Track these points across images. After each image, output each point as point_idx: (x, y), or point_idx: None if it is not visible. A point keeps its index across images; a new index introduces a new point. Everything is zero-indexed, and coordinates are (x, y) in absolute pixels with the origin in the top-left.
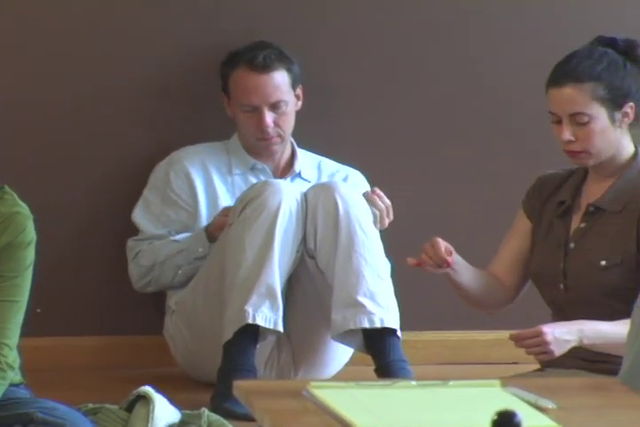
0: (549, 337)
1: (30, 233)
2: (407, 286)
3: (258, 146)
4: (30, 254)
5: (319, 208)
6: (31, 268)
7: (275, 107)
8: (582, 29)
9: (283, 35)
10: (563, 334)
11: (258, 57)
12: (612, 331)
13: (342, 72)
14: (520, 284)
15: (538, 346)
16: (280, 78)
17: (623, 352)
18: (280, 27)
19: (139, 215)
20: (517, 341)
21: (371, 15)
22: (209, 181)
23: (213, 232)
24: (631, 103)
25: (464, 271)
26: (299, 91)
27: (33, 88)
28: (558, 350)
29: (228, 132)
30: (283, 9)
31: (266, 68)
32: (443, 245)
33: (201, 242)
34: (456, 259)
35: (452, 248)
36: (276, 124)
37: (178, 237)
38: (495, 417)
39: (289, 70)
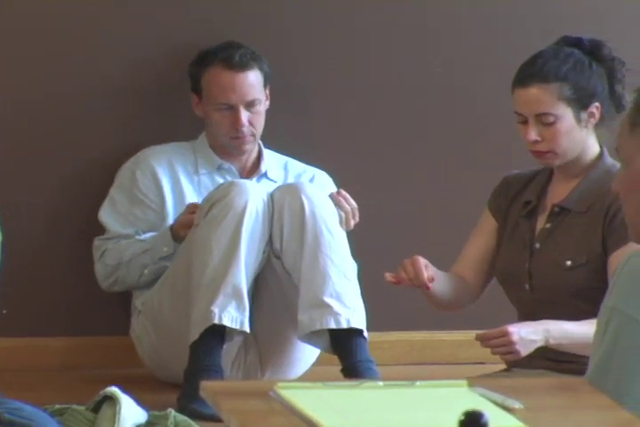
0: (515, 337)
1: None
2: (373, 287)
3: (230, 145)
4: None
5: (285, 209)
6: None
7: (250, 105)
8: (548, 29)
9: (250, 35)
10: (529, 334)
11: (234, 56)
12: (577, 331)
13: (310, 72)
14: (485, 283)
15: (504, 346)
16: (255, 77)
17: (589, 352)
18: (248, 27)
19: (105, 214)
20: (483, 341)
21: (340, 15)
22: (176, 180)
23: (178, 230)
24: (597, 103)
25: (438, 284)
26: (268, 90)
27: (1, 88)
28: (524, 350)
29: (194, 132)
30: (251, 9)
31: (242, 66)
32: (423, 263)
33: (166, 241)
34: (434, 274)
35: (429, 265)
36: (251, 123)
37: (144, 236)
38: (462, 417)
39: (261, 70)
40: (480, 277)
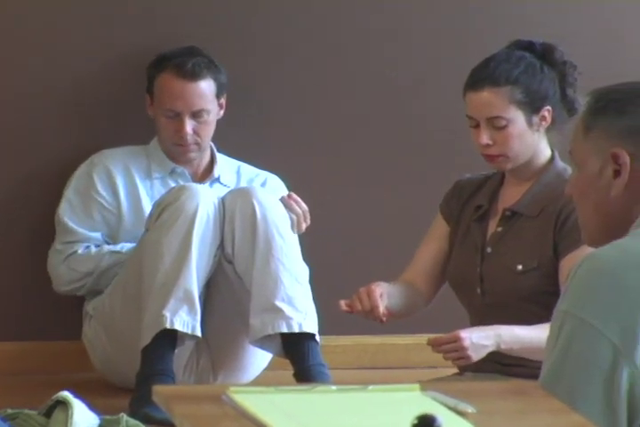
0: (467, 342)
1: None
2: (325, 291)
3: (174, 151)
4: None
5: (237, 213)
6: None
7: (196, 115)
8: (500, 33)
9: (209, 39)
10: (480, 339)
11: (187, 64)
12: (529, 335)
13: (264, 78)
14: (436, 288)
15: (455, 351)
16: (206, 87)
17: (541, 357)
18: (207, 31)
19: (66, 217)
20: (435, 346)
21: (298, 23)
22: (132, 183)
23: None
24: (548, 107)
25: (390, 301)
26: (222, 100)
27: None
28: (476, 355)
29: (147, 136)
30: (211, 14)
31: (194, 75)
32: (379, 294)
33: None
34: (386, 292)
35: (384, 293)
36: (196, 132)
37: (119, 246)
38: (415, 421)
39: (216, 79)
40: (432, 282)
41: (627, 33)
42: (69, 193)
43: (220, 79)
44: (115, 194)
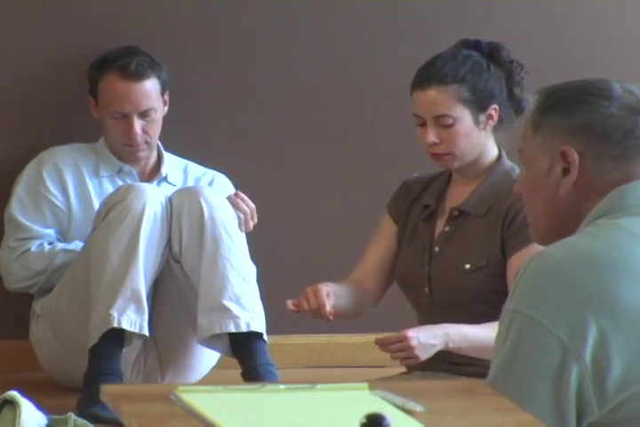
0: (414, 342)
1: None
2: (273, 290)
3: (124, 151)
4: None
5: (184, 212)
6: None
7: (144, 115)
8: (447, 32)
9: (149, 38)
10: (428, 339)
11: (130, 65)
12: (477, 334)
13: (209, 76)
14: (385, 287)
15: (403, 351)
16: (151, 86)
17: (489, 356)
18: (147, 30)
19: (17, 215)
20: (382, 346)
21: (238, 21)
22: (81, 181)
23: None
24: (495, 105)
25: (337, 301)
26: (166, 96)
27: None
28: (423, 355)
29: (94, 134)
30: (152, 14)
31: (138, 76)
32: (325, 293)
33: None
34: (333, 292)
35: (331, 293)
36: (145, 131)
37: (73, 244)
38: (364, 420)
39: (159, 77)
40: (380, 281)
41: (573, 32)
42: (20, 191)
43: (162, 77)
44: (64, 191)
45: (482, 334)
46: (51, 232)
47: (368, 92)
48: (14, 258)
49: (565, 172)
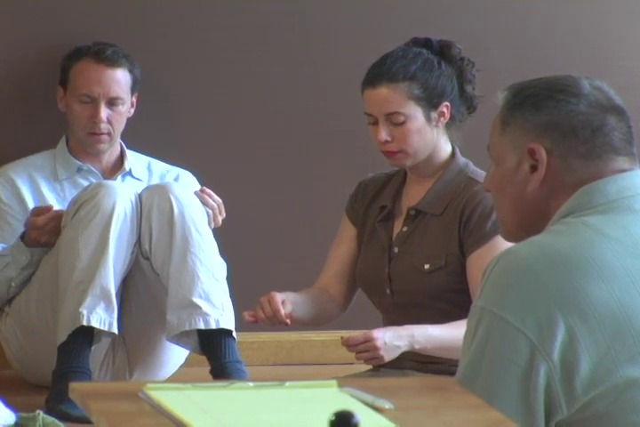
0: (379, 343)
1: None
2: (242, 286)
3: (86, 141)
4: None
5: (154, 209)
6: None
7: (112, 103)
8: (398, 32)
9: (118, 36)
10: (393, 340)
11: (106, 50)
12: (442, 335)
13: (174, 73)
14: (351, 291)
15: (368, 351)
16: (123, 76)
17: (455, 355)
18: (117, 28)
19: None
20: (348, 346)
21: (208, 17)
22: (37, 190)
23: (29, 234)
24: (447, 103)
25: (297, 308)
26: (134, 98)
27: None
28: (388, 356)
29: (55, 142)
30: (121, 11)
31: (113, 62)
32: (280, 300)
33: (21, 250)
34: (290, 299)
35: (287, 300)
36: (109, 121)
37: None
38: (333, 418)
39: (131, 72)
40: (345, 286)
41: (536, 30)
42: None
43: (135, 73)
44: (20, 202)
45: (447, 334)
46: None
47: (325, 92)
48: None
49: (533, 169)
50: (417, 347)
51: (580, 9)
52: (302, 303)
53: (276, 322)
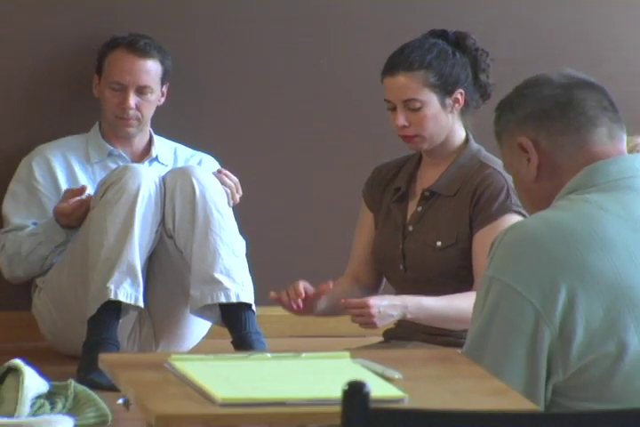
0: (374, 310)
1: None
2: (262, 263)
3: (116, 125)
4: None
5: (177, 191)
6: None
7: (141, 91)
8: (413, 24)
9: (154, 27)
10: (387, 309)
11: (139, 42)
12: (434, 306)
13: (202, 65)
14: (380, 275)
15: (362, 316)
16: (154, 67)
17: (444, 325)
18: (152, 20)
19: (6, 207)
20: (346, 308)
21: (234, 13)
22: (70, 171)
23: (59, 220)
24: (461, 90)
25: (335, 310)
26: (165, 88)
27: None
28: (380, 323)
29: (89, 126)
30: (155, 3)
31: (144, 53)
32: (301, 285)
33: (56, 230)
34: (323, 306)
35: (310, 293)
36: (138, 107)
37: (32, 228)
38: (346, 387)
39: (162, 63)
40: (375, 271)
41: (540, 23)
42: (12, 184)
43: (166, 64)
44: (53, 181)
45: (439, 305)
46: (29, 223)
47: (356, 80)
48: None
49: (529, 161)
50: (409, 316)
51: (590, 6)
52: (336, 305)
53: (292, 306)
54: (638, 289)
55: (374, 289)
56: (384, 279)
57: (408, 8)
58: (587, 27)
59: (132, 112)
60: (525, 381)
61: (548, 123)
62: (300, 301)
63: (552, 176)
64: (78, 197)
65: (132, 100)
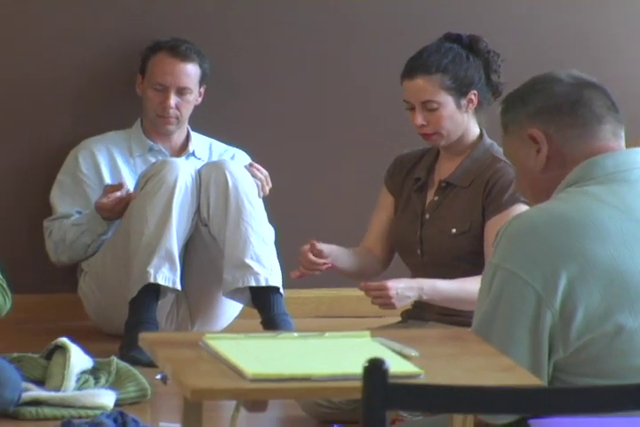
0: (392, 292)
1: None
2: (289, 249)
3: (157, 123)
4: None
5: (211, 183)
6: None
7: (181, 92)
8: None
9: (193, 32)
10: (404, 291)
11: (181, 46)
12: (447, 288)
13: (236, 67)
14: (391, 251)
15: (381, 298)
16: (193, 70)
17: (457, 305)
18: (191, 25)
19: (53, 196)
20: (365, 290)
21: (265, 20)
22: (113, 163)
23: (100, 213)
24: (475, 91)
25: (342, 258)
26: (202, 89)
27: None
28: (398, 304)
29: (131, 122)
30: (193, 9)
31: (185, 57)
32: (307, 247)
33: (98, 221)
34: (334, 250)
35: (324, 249)
36: (177, 107)
37: (76, 217)
38: (366, 364)
39: (201, 66)
40: (386, 247)
41: (543, 27)
42: (60, 175)
43: (204, 67)
44: (98, 173)
45: (453, 288)
46: (73, 212)
47: (373, 79)
48: (46, 237)
49: (539, 152)
50: (425, 298)
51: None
52: (348, 257)
53: (314, 268)
54: (632, 273)
55: (384, 263)
56: (394, 255)
57: (420, 13)
58: (586, 30)
59: (172, 111)
60: (529, 359)
61: (558, 117)
62: (322, 265)
63: (559, 167)
64: (118, 193)
65: (173, 100)
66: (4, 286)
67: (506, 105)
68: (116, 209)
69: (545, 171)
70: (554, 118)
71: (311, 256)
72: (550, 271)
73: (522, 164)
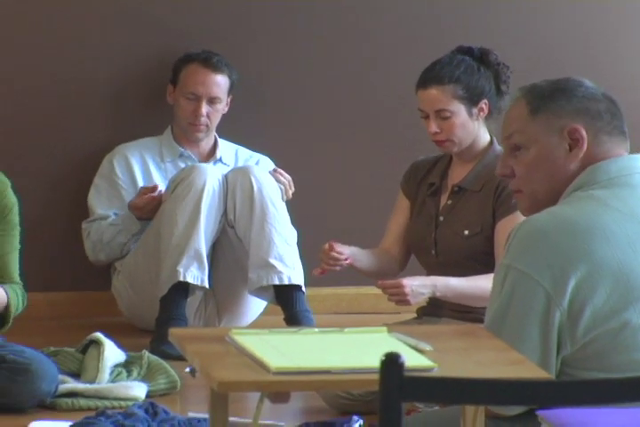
0: (407, 289)
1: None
2: (310, 250)
3: (188, 130)
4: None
5: (237, 187)
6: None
7: (212, 101)
8: (452, 40)
9: (220, 44)
10: (419, 288)
11: (212, 58)
12: (460, 286)
13: (261, 78)
14: (408, 253)
15: (397, 295)
16: (223, 81)
17: (469, 302)
18: (218, 38)
19: (91, 199)
20: (382, 288)
21: (288, 32)
22: (146, 168)
23: (133, 212)
24: (485, 100)
25: (361, 258)
26: (229, 98)
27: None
28: (414, 300)
29: (162, 130)
30: (219, 23)
31: (217, 68)
32: (327, 245)
33: (133, 221)
34: (353, 251)
35: (343, 250)
36: (208, 115)
37: (113, 218)
38: (383, 358)
39: (230, 77)
40: (404, 248)
41: (550, 39)
42: (96, 178)
43: (233, 78)
44: (131, 177)
45: (465, 285)
46: (110, 213)
47: (392, 89)
48: (85, 238)
49: (572, 146)
50: (438, 294)
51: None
52: (367, 257)
53: (335, 264)
54: (637, 274)
55: (402, 264)
56: (411, 255)
57: (436, 27)
58: (589, 39)
59: (202, 119)
60: (539, 354)
61: (600, 123)
62: (342, 260)
63: (583, 166)
64: (151, 194)
65: (204, 108)
66: (18, 291)
67: (544, 92)
68: (147, 208)
69: (570, 164)
70: (595, 123)
71: (332, 252)
72: (559, 273)
73: (541, 149)
